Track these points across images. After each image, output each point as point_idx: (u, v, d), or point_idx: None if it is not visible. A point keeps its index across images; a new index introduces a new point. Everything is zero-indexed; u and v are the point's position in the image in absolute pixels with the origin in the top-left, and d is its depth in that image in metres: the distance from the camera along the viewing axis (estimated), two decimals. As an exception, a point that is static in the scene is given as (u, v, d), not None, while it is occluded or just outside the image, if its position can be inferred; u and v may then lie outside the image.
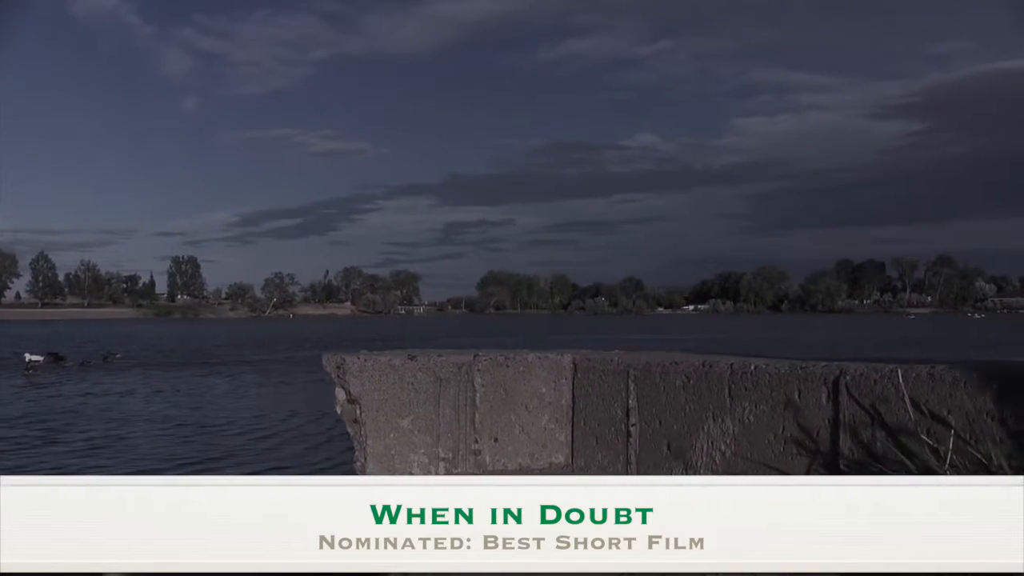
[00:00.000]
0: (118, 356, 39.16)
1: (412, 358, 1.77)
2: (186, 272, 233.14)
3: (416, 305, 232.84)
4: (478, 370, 1.74)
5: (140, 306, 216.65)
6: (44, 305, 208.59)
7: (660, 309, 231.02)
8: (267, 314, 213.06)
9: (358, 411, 1.78)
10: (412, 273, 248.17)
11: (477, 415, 1.75)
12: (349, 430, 1.80)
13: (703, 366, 1.49)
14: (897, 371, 1.23)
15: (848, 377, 1.30)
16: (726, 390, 1.46)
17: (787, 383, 1.38)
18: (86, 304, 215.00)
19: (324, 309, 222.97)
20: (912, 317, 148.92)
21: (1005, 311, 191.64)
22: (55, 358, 35.22)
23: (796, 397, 1.35)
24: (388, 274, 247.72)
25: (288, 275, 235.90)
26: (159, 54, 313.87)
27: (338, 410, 1.83)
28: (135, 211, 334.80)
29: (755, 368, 1.43)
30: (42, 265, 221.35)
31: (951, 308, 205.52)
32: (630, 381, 1.60)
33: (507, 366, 1.76)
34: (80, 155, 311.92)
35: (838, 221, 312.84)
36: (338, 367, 1.79)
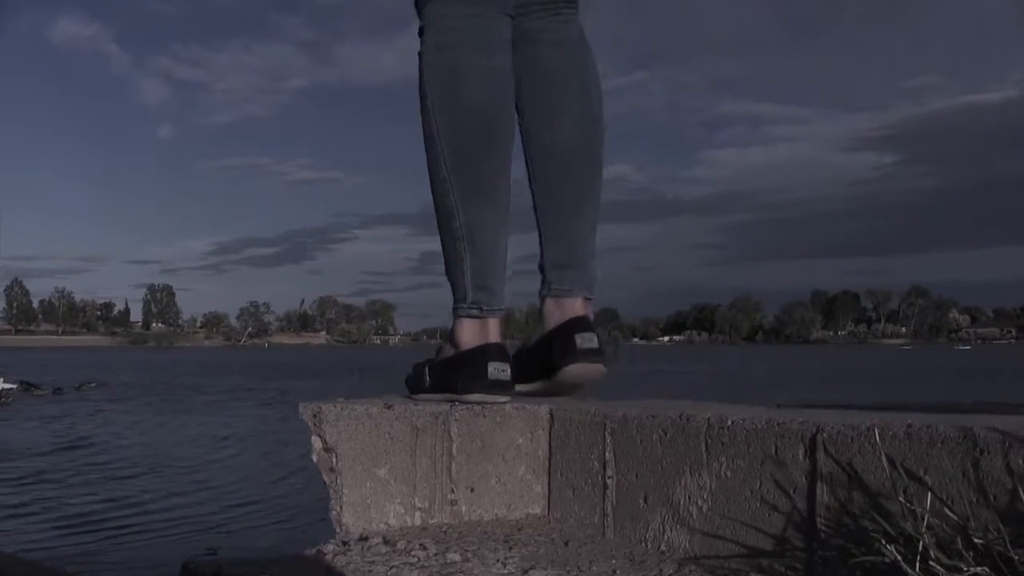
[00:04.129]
0: (92, 385, 38.95)
1: (388, 407, 1.77)
2: (161, 300, 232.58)
3: (392, 335, 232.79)
4: (455, 420, 1.74)
5: (114, 334, 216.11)
6: (18, 332, 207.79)
7: (636, 340, 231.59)
8: (242, 343, 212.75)
9: (334, 459, 1.77)
10: (387, 303, 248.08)
11: (454, 465, 1.74)
12: (325, 478, 1.80)
13: (680, 419, 1.49)
14: (874, 430, 1.23)
15: (825, 434, 1.30)
16: (703, 444, 1.46)
17: (764, 438, 1.38)
18: (60, 331, 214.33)
19: (299, 338, 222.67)
20: (909, 348, 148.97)
21: (980, 341, 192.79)
22: (27, 386, 35.01)
23: (773, 453, 1.35)
24: (364, 303, 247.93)
25: (263, 304, 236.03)
26: (136, 82, 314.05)
27: (315, 458, 1.82)
28: (110, 238, 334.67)
29: (732, 423, 1.43)
30: (16, 292, 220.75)
31: (925, 339, 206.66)
32: (607, 433, 1.60)
33: (484, 416, 1.76)
34: (56, 181, 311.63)
35: (812, 252, 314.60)
36: (315, 416, 1.79)
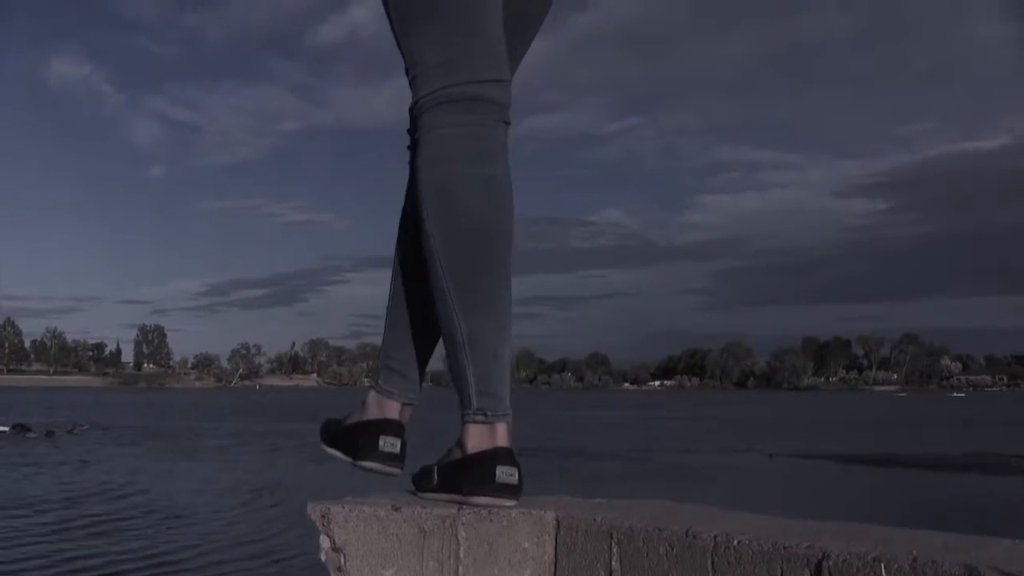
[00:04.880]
0: (84, 427, 38.90)
1: (396, 509, 1.79)
2: (152, 341, 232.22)
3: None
4: (462, 523, 1.77)
5: (106, 374, 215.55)
6: (9, 372, 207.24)
7: (626, 384, 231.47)
8: (233, 384, 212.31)
9: (342, 560, 1.80)
10: (378, 345, 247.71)
11: (461, 568, 1.77)
12: (333, 577, 1.83)
13: (686, 536, 1.52)
14: (880, 564, 1.26)
15: (831, 561, 1.33)
16: (709, 562, 1.48)
17: (770, 561, 1.41)
18: (52, 371, 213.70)
19: (290, 380, 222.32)
20: (903, 395, 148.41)
21: (971, 388, 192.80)
22: (20, 428, 34.93)
23: (779, 575, 1.38)
24: (355, 346, 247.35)
25: (255, 346, 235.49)
26: (129, 122, 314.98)
27: (323, 557, 1.85)
28: (103, 278, 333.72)
29: (738, 543, 1.46)
30: (8, 331, 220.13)
31: (916, 386, 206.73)
32: (613, 543, 1.63)
33: (491, 520, 1.78)
34: (48, 221, 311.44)
35: (803, 298, 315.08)
36: (323, 516, 1.82)
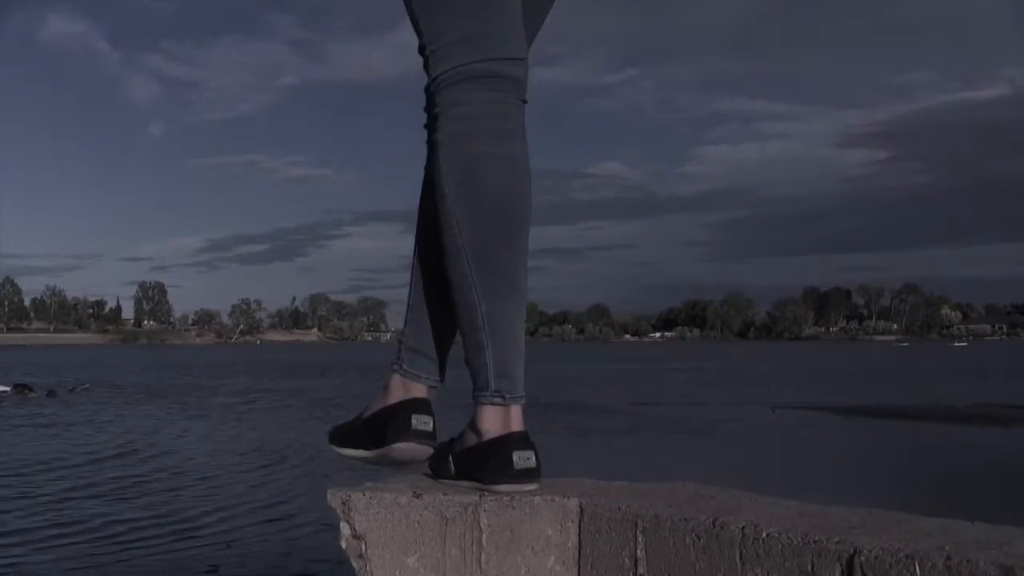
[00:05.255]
0: (85, 386, 38.92)
1: (418, 496, 1.78)
2: (153, 298, 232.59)
3: (383, 332, 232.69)
4: (484, 511, 1.76)
5: (106, 331, 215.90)
6: (10, 330, 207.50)
7: (627, 336, 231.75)
8: (234, 340, 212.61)
9: (363, 547, 1.79)
10: (379, 299, 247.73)
11: (483, 555, 1.76)
12: (354, 564, 1.81)
13: (713, 526, 1.51)
14: (914, 561, 1.25)
15: (863, 557, 1.32)
16: (737, 554, 1.47)
17: (800, 555, 1.40)
18: (52, 329, 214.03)
19: (291, 335, 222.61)
20: (905, 345, 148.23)
21: (971, 338, 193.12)
22: (21, 388, 34.97)
23: (810, 570, 1.37)
24: (355, 300, 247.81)
25: (255, 301, 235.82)
26: (126, 80, 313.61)
27: (343, 544, 1.84)
28: (102, 236, 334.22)
29: (767, 536, 1.44)
30: (8, 290, 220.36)
31: (917, 335, 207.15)
32: (638, 532, 1.62)
33: (513, 507, 1.77)
34: (47, 179, 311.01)
35: (804, 249, 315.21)
36: (343, 503, 1.81)
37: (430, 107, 2.06)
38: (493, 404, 1.99)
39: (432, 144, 2.04)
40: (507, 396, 1.99)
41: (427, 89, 2.05)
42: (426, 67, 2.05)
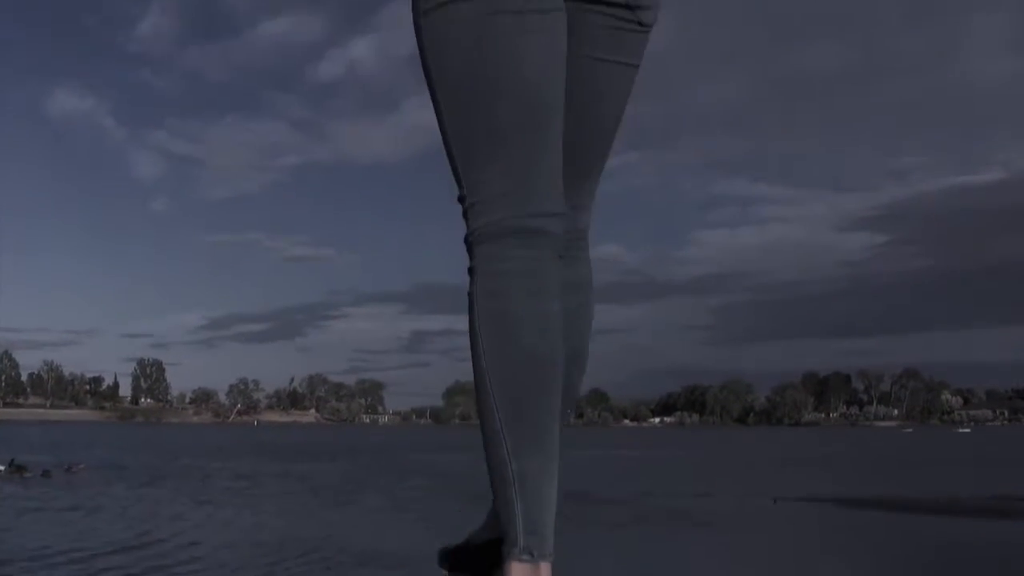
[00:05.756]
0: (81, 466, 38.75)
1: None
2: (151, 375, 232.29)
3: (381, 414, 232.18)
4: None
5: (103, 408, 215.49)
6: (6, 405, 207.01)
7: (626, 421, 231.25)
8: (231, 420, 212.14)
9: None
10: (377, 381, 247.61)
11: None
12: None
13: None
14: None
15: None
16: None
17: None
18: (48, 405, 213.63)
19: (288, 416, 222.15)
20: (909, 431, 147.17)
21: (973, 423, 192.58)
22: (16, 468, 34.79)
23: None
24: (353, 382, 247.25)
25: (253, 381, 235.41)
26: (131, 156, 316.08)
27: None
28: (102, 311, 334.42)
29: None
30: (5, 364, 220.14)
31: (918, 421, 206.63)
32: None
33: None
34: (47, 253, 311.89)
35: (802, 333, 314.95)
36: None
37: (469, 259, 2.05)
38: (522, 561, 1.96)
39: (470, 298, 2.04)
40: (536, 553, 1.96)
41: (466, 240, 2.05)
42: (465, 217, 2.05)
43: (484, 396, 1.98)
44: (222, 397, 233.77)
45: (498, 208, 2.00)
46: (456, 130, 2.05)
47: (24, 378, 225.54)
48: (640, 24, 2.14)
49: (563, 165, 2.10)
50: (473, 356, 2.00)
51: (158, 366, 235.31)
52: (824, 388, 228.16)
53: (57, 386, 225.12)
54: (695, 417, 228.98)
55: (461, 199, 2.06)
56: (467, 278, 2.06)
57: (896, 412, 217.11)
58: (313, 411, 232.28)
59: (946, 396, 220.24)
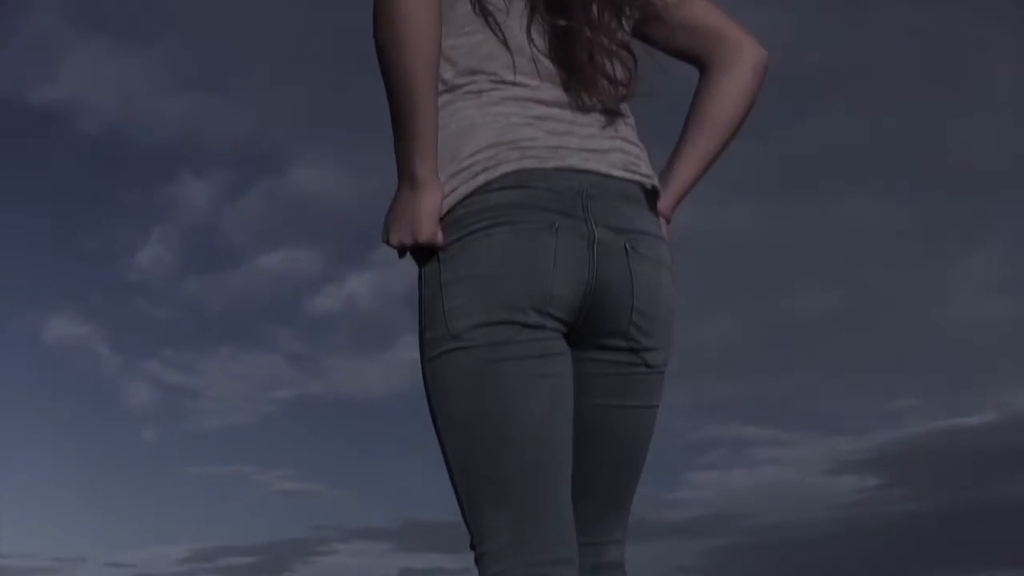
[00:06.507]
0: None
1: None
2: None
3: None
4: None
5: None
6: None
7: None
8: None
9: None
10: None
11: None
12: None
13: None
14: None
15: None
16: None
17: None
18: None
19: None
20: None
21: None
22: None
23: None
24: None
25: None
26: (124, 384, 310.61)
27: None
28: (87, 539, 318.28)
29: None
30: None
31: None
32: None
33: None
34: (34, 480, 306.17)
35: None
36: None
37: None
38: None
39: None
40: None
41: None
42: (476, 563, 2.01)
43: None
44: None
45: (507, 556, 1.96)
46: (461, 477, 1.99)
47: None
48: (648, 366, 2.08)
49: (591, 504, 2.15)
50: None
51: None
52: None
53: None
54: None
55: (472, 546, 2.02)
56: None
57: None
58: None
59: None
